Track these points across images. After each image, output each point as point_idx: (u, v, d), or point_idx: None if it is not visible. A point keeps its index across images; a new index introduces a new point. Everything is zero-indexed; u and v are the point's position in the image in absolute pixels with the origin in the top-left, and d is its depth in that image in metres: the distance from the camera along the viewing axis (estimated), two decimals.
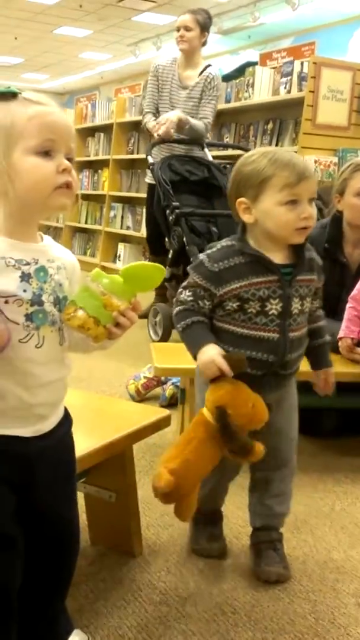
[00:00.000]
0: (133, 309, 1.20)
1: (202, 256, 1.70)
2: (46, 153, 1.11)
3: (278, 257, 1.68)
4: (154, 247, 4.56)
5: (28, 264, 1.15)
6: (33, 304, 1.14)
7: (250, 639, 1.57)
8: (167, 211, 3.83)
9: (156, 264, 1.21)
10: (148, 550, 1.91)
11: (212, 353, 1.61)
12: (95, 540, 1.89)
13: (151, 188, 4.41)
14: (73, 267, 1.27)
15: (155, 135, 4.17)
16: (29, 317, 1.14)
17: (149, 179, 4.53)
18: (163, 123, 4.05)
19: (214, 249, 1.71)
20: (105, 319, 1.16)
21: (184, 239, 3.71)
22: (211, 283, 1.66)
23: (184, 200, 3.88)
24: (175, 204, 3.73)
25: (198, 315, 1.68)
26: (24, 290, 1.13)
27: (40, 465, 1.23)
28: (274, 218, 1.64)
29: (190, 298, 1.69)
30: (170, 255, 3.88)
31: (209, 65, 4.36)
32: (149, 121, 4.35)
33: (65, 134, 1.14)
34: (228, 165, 4.29)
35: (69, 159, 1.15)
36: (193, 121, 4.18)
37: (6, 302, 1.11)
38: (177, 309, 1.71)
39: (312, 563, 1.89)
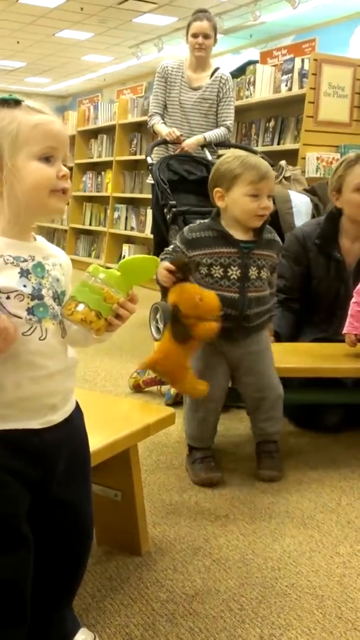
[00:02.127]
0: (130, 301, 1.25)
1: (185, 227, 2.28)
2: (47, 159, 1.18)
3: (241, 235, 2.21)
4: (157, 250, 4.57)
5: (25, 260, 1.19)
6: (34, 298, 1.18)
7: (257, 636, 1.56)
8: (165, 210, 3.88)
9: (151, 256, 1.27)
10: (154, 549, 1.91)
11: (163, 264, 2.09)
12: (101, 540, 1.89)
13: (153, 189, 4.43)
14: (67, 265, 1.31)
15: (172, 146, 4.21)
16: (30, 310, 1.18)
17: (151, 179, 4.54)
18: (185, 149, 4.15)
19: (195, 224, 2.29)
20: (106, 312, 1.21)
21: None
22: (184, 246, 2.23)
23: (182, 199, 3.92)
24: (172, 202, 3.77)
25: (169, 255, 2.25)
26: (24, 286, 1.17)
27: (57, 458, 1.26)
28: (240, 206, 2.17)
29: (170, 250, 2.27)
30: None
31: (218, 68, 4.37)
32: (157, 123, 4.36)
33: (64, 142, 1.22)
34: None
35: (64, 165, 1.22)
36: (214, 135, 4.25)
37: (8, 297, 1.15)
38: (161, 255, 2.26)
39: (319, 558, 1.89)
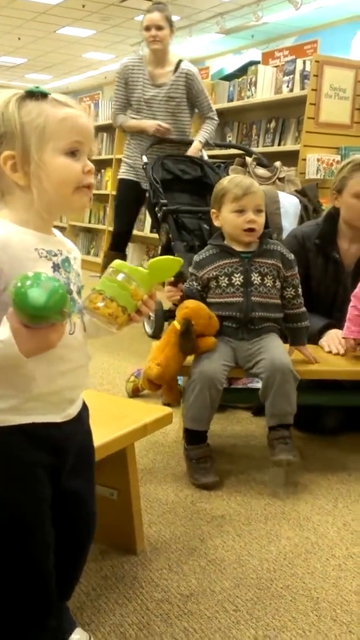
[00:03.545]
0: (151, 297, 1.27)
1: (195, 255, 2.47)
2: (72, 153, 1.17)
3: (241, 248, 2.38)
4: (118, 242, 4.62)
5: (56, 255, 1.20)
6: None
7: (252, 637, 1.56)
8: (156, 208, 3.92)
9: (177, 258, 1.29)
10: (150, 548, 1.91)
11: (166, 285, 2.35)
12: (96, 538, 1.85)
13: (123, 183, 4.51)
14: (80, 259, 1.33)
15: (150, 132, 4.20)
16: None
17: (122, 174, 4.55)
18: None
19: (202, 250, 2.48)
20: (131, 308, 1.23)
21: (170, 235, 3.80)
22: (196, 269, 2.42)
23: (177, 198, 3.96)
24: (163, 201, 3.81)
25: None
26: None
27: (69, 450, 1.29)
28: (228, 222, 2.37)
29: (188, 283, 2.42)
30: (159, 252, 3.98)
31: (181, 61, 4.23)
32: (127, 121, 4.33)
33: (90, 137, 1.21)
34: (222, 165, 4.34)
35: (88, 158, 1.21)
36: (207, 134, 4.22)
37: None
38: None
39: (315, 560, 1.89)
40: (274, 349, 2.33)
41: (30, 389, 1.17)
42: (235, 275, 2.35)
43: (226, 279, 2.36)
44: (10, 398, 1.17)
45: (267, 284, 2.36)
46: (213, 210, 2.41)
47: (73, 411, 1.28)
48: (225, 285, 2.36)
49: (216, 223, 2.42)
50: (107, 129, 7.68)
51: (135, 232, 6.91)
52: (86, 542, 1.41)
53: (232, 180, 2.37)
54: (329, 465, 2.52)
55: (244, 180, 2.37)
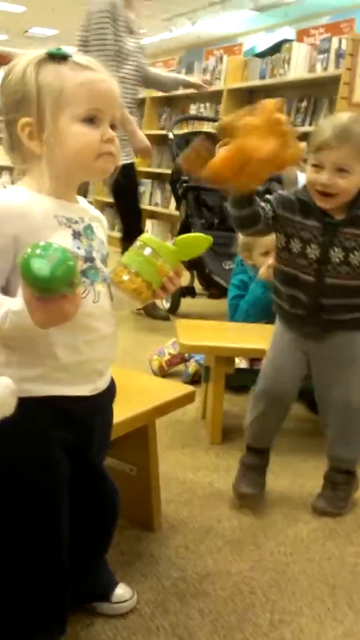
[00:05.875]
0: (177, 274, 1.24)
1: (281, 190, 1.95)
2: (91, 120, 1.12)
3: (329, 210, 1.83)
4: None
5: (77, 222, 1.17)
6: (86, 261, 1.18)
7: (267, 620, 1.55)
8: (177, 185, 3.98)
9: (207, 236, 1.25)
10: (167, 526, 1.90)
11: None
12: None
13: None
14: (106, 227, 1.30)
15: None
16: (83, 273, 1.16)
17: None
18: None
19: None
20: (156, 284, 1.21)
21: (189, 212, 3.86)
22: (277, 203, 1.85)
23: None
24: (184, 177, 3.81)
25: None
26: (78, 248, 1.16)
27: (96, 425, 1.29)
28: (307, 176, 1.84)
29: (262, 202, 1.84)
30: (178, 228, 4.08)
31: None
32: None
33: (113, 103, 1.15)
34: None
35: (112, 126, 1.15)
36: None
37: None
38: None
39: (332, 546, 1.87)
40: (352, 382, 1.93)
41: (56, 358, 1.16)
42: (311, 245, 1.83)
43: (300, 244, 1.84)
44: (36, 366, 1.16)
45: (352, 262, 1.83)
46: (305, 157, 1.87)
47: (102, 385, 1.27)
48: (296, 252, 1.85)
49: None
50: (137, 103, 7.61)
51: (160, 209, 6.92)
52: (115, 506, 1.45)
53: (328, 121, 1.81)
54: None
55: (338, 126, 1.75)
